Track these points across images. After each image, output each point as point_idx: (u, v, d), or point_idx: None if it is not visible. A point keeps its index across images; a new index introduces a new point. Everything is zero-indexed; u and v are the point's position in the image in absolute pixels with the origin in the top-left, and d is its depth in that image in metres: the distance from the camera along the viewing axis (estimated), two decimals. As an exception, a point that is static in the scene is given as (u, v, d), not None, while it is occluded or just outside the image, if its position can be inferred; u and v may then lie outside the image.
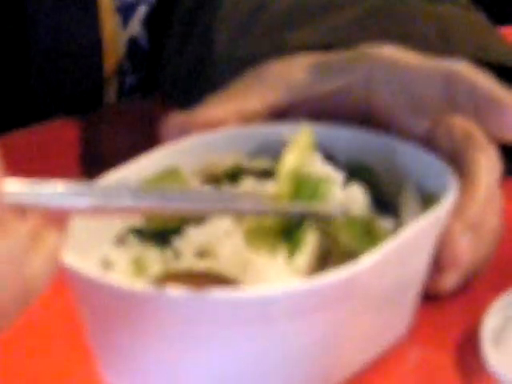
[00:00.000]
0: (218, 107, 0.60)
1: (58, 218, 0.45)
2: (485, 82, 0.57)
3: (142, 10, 0.82)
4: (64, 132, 0.76)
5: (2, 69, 0.79)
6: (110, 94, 0.82)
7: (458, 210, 0.53)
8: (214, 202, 0.52)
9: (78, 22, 0.81)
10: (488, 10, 0.86)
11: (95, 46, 0.81)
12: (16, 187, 0.44)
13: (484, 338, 0.51)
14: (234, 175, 0.56)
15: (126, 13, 0.82)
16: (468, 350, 0.54)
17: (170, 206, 0.49)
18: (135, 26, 0.82)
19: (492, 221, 0.56)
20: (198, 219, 0.53)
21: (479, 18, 0.71)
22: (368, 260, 0.48)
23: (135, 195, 0.48)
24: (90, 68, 0.82)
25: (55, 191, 0.45)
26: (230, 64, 0.68)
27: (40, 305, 0.46)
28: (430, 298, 0.57)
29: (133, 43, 0.82)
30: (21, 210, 0.43)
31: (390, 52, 0.60)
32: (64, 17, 0.81)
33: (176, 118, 0.59)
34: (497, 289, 0.57)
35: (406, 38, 0.63)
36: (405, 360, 0.55)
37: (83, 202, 0.45)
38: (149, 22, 0.84)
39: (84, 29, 0.82)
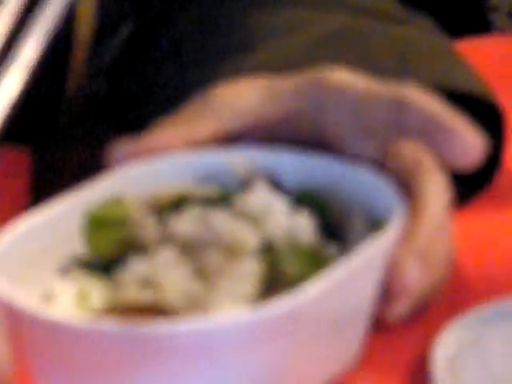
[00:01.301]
0: (165, 134, 0.60)
1: None
2: (435, 106, 0.57)
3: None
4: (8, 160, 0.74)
5: None
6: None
7: (406, 237, 0.53)
8: None
9: None
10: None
11: None
12: None
13: (436, 366, 0.51)
14: (178, 204, 0.56)
15: None
16: (420, 379, 0.53)
17: None
18: None
19: (442, 248, 0.56)
20: (142, 249, 0.53)
21: (443, 41, 0.71)
22: (311, 289, 0.47)
23: None
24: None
25: None
26: (180, 88, 0.68)
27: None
28: (381, 326, 0.56)
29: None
30: None
31: (341, 76, 0.60)
32: None
33: (123, 144, 0.59)
34: (449, 315, 0.56)
35: (362, 61, 0.64)
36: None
37: None
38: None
39: None
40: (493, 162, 0.65)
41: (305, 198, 0.55)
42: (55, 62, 0.79)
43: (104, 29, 0.82)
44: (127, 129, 0.69)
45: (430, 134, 0.56)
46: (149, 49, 0.80)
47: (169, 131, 0.60)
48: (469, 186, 0.64)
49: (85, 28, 0.80)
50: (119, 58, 0.84)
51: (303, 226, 0.53)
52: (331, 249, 0.53)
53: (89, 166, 0.61)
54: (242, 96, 0.61)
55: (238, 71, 0.64)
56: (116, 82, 0.83)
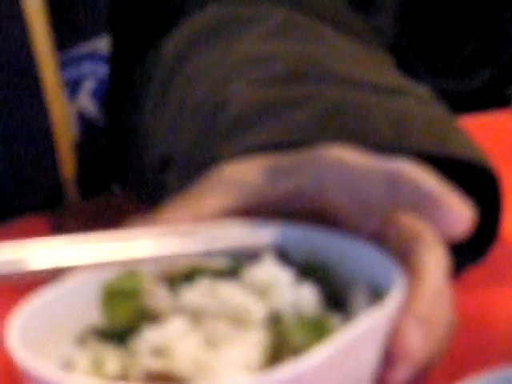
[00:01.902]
0: (176, 211, 0.60)
1: None
2: (429, 180, 0.58)
3: (89, 85, 0.81)
4: (28, 231, 0.72)
5: None
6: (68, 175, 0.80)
7: (407, 306, 0.53)
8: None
9: (25, 104, 0.79)
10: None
11: (45, 130, 0.79)
12: None
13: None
14: (190, 275, 0.56)
15: (73, 87, 0.81)
16: None
17: None
18: (84, 99, 0.81)
19: (442, 315, 0.56)
20: (155, 318, 0.53)
21: (439, 111, 0.71)
22: (315, 357, 0.48)
23: None
24: (44, 152, 0.80)
25: None
26: (190, 166, 0.68)
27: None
28: None
29: (82, 116, 0.81)
30: None
31: (338, 153, 0.60)
32: (13, 101, 0.79)
33: (137, 222, 0.59)
34: (449, 381, 0.56)
35: (359, 137, 0.64)
36: None
37: None
38: (102, 100, 0.83)
39: (31, 111, 0.79)
40: (490, 231, 0.65)
41: (310, 270, 0.56)
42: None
43: None
44: (142, 200, 0.70)
45: (425, 207, 0.57)
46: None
47: (178, 209, 0.61)
48: (467, 256, 0.64)
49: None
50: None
51: (308, 297, 0.53)
52: (335, 318, 0.53)
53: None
54: (247, 175, 0.61)
55: (243, 150, 0.65)
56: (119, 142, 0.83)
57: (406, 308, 0.53)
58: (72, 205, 0.77)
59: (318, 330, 0.52)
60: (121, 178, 0.82)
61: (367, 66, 0.74)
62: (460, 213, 0.56)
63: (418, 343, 0.53)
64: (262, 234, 0.58)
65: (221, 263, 0.57)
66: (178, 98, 0.74)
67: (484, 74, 0.91)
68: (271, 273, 0.54)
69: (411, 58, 0.85)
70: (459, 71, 0.90)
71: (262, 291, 0.54)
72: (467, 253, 0.63)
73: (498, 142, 0.72)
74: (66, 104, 0.76)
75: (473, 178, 0.65)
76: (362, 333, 0.50)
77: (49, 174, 0.76)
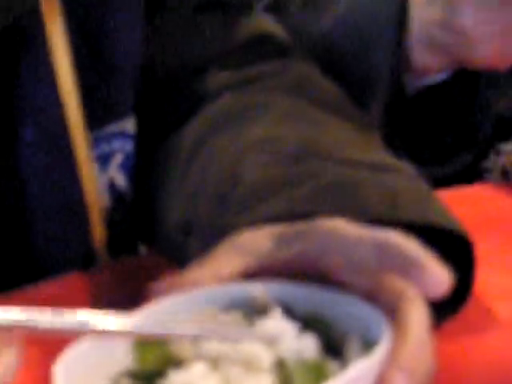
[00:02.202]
0: (198, 272, 0.60)
1: (12, 340, 0.47)
2: (413, 247, 0.58)
3: (118, 158, 0.79)
4: (67, 287, 0.74)
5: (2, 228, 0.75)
6: (99, 240, 0.78)
7: (393, 356, 0.53)
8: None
9: (61, 178, 0.77)
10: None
11: (79, 200, 0.77)
12: None
13: None
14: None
15: (104, 161, 0.79)
16: None
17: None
18: (114, 171, 0.79)
19: (424, 364, 0.55)
20: (179, 363, 0.53)
21: (422, 186, 0.70)
22: None
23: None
24: (77, 218, 0.78)
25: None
26: (209, 232, 0.67)
27: None
28: None
29: (112, 186, 0.79)
30: None
31: (337, 225, 0.60)
32: (50, 175, 0.77)
33: (164, 281, 0.59)
34: None
35: (355, 210, 0.64)
36: None
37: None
38: (129, 171, 0.81)
39: (66, 183, 0.77)
40: (465, 288, 0.65)
41: (311, 322, 0.56)
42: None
43: None
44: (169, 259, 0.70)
45: (408, 270, 0.57)
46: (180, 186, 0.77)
47: (201, 270, 0.61)
48: (445, 310, 0.63)
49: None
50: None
51: (309, 346, 0.54)
52: (333, 365, 0.53)
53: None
54: (258, 242, 0.61)
55: (254, 220, 0.64)
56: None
57: (392, 358, 0.53)
58: (103, 265, 0.76)
59: (317, 374, 0.53)
60: (147, 241, 0.81)
61: (361, 147, 0.73)
62: (439, 277, 0.57)
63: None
64: (271, 292, 0.58)
65: (236, 316, 0.57)
66: (198, 174, 0.73)
67: (464, 158, 0.91)
68: (278, 325, 0.55)
69: (397, 147, 0.86)
70: (441, 158, 0.90)
71: (269, 340, 0.55)
72: (446, 307, 0.63)
73: (472, 213, 0.73)
74: (97, 176, 0.76)
75: (450, 242, 0.65)
76: (355, 377, 0.51)
77: (82, 238, 0.75)
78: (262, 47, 0.81)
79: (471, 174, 0.94)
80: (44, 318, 0.49)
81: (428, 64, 0.87)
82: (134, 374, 0.55)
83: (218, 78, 0.79)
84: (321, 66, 0.88)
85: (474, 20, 0.80)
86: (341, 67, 0.88)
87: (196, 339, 0.54)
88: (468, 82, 0.89)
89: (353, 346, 0.55)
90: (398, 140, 0.87)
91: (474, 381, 0.64)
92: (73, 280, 0.73)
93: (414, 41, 0.85)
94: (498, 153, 0.95)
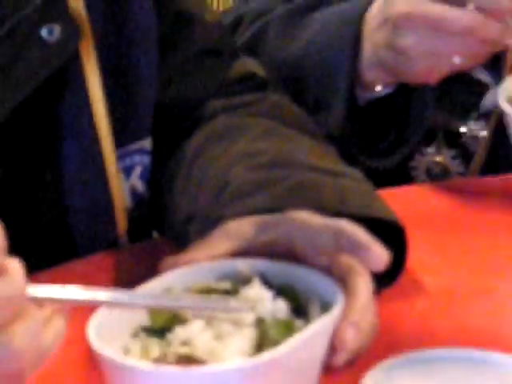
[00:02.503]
0: (195, 253, 0.61)
1: (61, 310, 0.46)
2: (360, 233, 0.59)
3: (138, 170, 0.77)
4: (99, 264, 0.73)
5: (48, 222, 0.74)
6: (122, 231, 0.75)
7: (344, 315, 0.54)
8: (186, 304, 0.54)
9: (95, 185, 0.75)
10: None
11: (108, 202, 0.74)
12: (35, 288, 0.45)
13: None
14: (206, 292, 0.56)
15: (127, 172, 0.76)
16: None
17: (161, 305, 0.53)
18: (135, 179, 0.77)
19: (369, 318, 0.56)
20: (184, 320, 0.54)
21: (366, 186, 0.70)
22: (286, 347, 0.50)
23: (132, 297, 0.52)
24: (107, 214, 0.75)
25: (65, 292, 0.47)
26: (205, 222, 0.67)
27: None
28: (328, 368, 0.56)
29: (133, 191, 0.77)
30: (38, 302, 0.45)
31: (302, 215, 0.61)
32: (87, 182, 0.74)
33: (168, 260, 0.60)
34: (374, 362, 0.57)
35: (316, 204, 0.63)
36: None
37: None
38: (147, 179, 0.78)
39: (100, 188, 0.74)
40: (399, 264, 0.65)
41: (283, 290, 0.57)
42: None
43: None
44: (176, 244, 0.70)
45: (357, 250, 0.58)
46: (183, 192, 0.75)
47: (198, 251, 0.61)
48: (384, 280, 0.63)
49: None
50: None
51: (282, 308, 0.55)
52: (300, 322, 0.54)
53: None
54: (242, 229, 0.62)
55: (239, 212, 0.64)
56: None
57: (344, 316, 0.54)
58: (125, 248, 0.75)
59: (288, 329, 0.53)
60: (159, 229, 0.80)
61: (321, 157, 0.72)
62: (380, 255, 0.58)
63: (352, 338, 0.54)
64: (252, 267, 0.58)
65: (226, 285, 0.57)
66: (197, 178, 0.73)
67: (398, 156, 0.91)
68: (258, 292, 0.56)
69: (351, 144, 0.86)
70: (382, 153, 0.90)
71: (252, 303, 0.55)
72: (385, 278, 0.63)
73: (403, 208, 0.70)
74: (123, 184, 0.75)
75: (388, 230, 0.65)
76: (316, 331, 0.52)
77: (110, 229, 0.74)
78: (247, 82, 0.81)
79: (403, 171, 0.94)
80: (74, 293, 0.48)
81: (376, 80, 0.85)
82: (148, 329, 0.54)
83: (214, 104, 0.79)
84: (292, 83, 0.87)
85: (413, 42, 0.77)
86: (308, 85, 0.86)
87: (193, 310, 0.54)
88: (406, 95, 0.87)
89: (314, 308, 0.56)
90: (353, 139, 0.86)
91: (405, 338, 0.63)
92: (100, 259, 0.72)
93: (366, 61, 0.82)
94: (422, 154, 0.93)
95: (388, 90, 0.86)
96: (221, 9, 1.57)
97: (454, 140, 0.93)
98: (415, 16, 0.76)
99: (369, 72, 0.82)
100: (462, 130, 0.92)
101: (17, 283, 0.43)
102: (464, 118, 0.92)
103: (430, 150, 0.94)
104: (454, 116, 0.92)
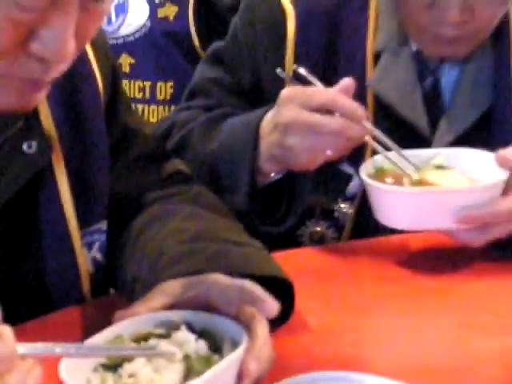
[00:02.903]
0: (138, 307, 0.60)
1: (39, 360, 0.46)
2: (257, 289, 0.59)
3: (97, 244, 0.75)
4: (66, 316, 0.71)
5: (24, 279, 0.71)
6: (86, 290, 0.74)
7: (248, 351, 0.54)
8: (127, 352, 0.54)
9: (66, 256, 0.72)
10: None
11: (76, 268, 0.72)
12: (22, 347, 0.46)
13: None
14: (147, 336, 0.57)
15: (89, 246, 0.74)
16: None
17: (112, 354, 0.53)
18: (95, 252, 0.74)
19: (267, 352, 0.56)
20: (130, 358, 0.54)
21: (265, 253, 0.70)
22: (206, 376, 0.51)
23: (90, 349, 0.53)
24: (75, 279, 0.73)
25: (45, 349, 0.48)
26: (145, 283, 0.65)
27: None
28: None
29: (94, 260, 0.74)
30: (22, 357, 0.45)
31: (217, 277, 0.61)
32: (59, 255, 0.72)
33: (119, 313, 0.59)
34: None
35: (227, 269, 0.63)
36: None
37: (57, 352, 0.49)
38: (104, 251, 0.76)
39: (68, 260, 0.72)
40: (289, 308, 0.65)
41: (203, 333, 0.57)
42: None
43: None
44: (127, 298, 0.68)
45: (255, 302, 0.58)
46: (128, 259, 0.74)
47: (139, 306, 0.60)
48: (276, 323, 0.62)
49: None
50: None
51: (202, 347, 0.55)
52: (216, 357, 0.55)
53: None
54: (173, 288, 0.61)
55: (172, 276, 0.63)
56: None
57: (248, 352, 0.55)
58: (88, 302, 0.74)
59: (208, 363, 0.54)
60: (114, 287, 0.78)
61: (230, 231, 0.72)
62: (273, 306, 0.59)
63: (254, 368, 0.54)
64: (181, 316, 0.59)
65: (161, 331, 0.58)
66: (140, 251, 0.72)
67: (288, 224, 0.91)
68: (185, 335, 0.56)
69: (255, 217, 0.88)
70: (276, 222, 0.91)
71: (180, 344, 0.55)
72: (278, 320, 0.62)
73: (295, 267, 0.73)
74: (86, 255, 0.73)
75: (280, 283, 0.65)
76: (228, 363, 0.53)
77: (77, 288, 0.73)
78: (176, 178, 0.81)
79: (293, 238, 0.95)
80: (49, 349, 0.49)
81: (270, 170, 0.85)
82: (104, 365, 0.55)
83: (151, 195, 0.79)
84: (210, 173, 0.87)
85: (297, 141, 0.77)
86: (221, 174, 0.87)
87: (135, 355, 0.55)
88: (292, 179, 0.88)
89: (227, 346, 0.57)
90: (255, 212, 0.87)
91: (294, 364, 0.63)
92: (71, 311, 0.72)
93: (262, 157, 0.83)
94: (306, 225, 0.94)
95: (279, 176, 0.86)
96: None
97: (329, 215, 0.94)
98: (298, 122, 0.77)
99: (265, 164, 0.83)
100: (335, 207, 0.93)
101: (9, 345, 0.44)
102: (335, 199, 0.93)
103: (312, 222, 0.95)
104: (328, 197, 0.93)
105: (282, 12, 0.86)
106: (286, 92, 0.78)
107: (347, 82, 0.77)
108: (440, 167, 0.79)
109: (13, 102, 0.55)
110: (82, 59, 0.68)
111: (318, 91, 0.78)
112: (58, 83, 0.61)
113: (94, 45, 0.72)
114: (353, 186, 0.91)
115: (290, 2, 0.88)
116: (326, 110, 0.76)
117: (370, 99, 0.88)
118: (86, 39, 0.55)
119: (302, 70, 0.80)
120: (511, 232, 0.74)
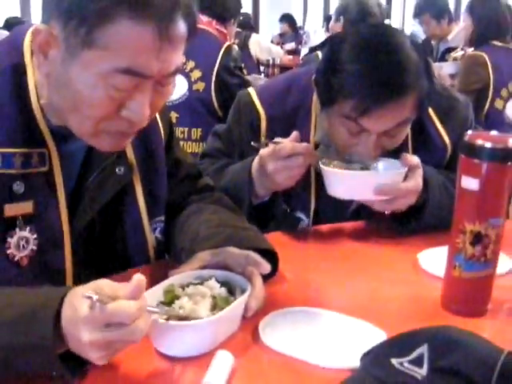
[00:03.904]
0: (183, 267, 0.58)
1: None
2: (256, 256, 0.58)
3: (159, 229, 0.69)
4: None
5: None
6: (152, 257, 0.68)
7: (250, 293, 0.53)
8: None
9: (140, 238, 0.68)
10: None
11: (146, 244, 0.67)
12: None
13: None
14: (188, 285, 0.55)
15: (154, 230, 0.69)
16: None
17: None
18: (157, 234, 0.69)
19: (262, 294, 0.54)
20: (178, 297, 0.52)
21: (260, 234, 0.66)
22: (225, 311, 0.49)
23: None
24: (146, 251, 0.68)
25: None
26: (188, 253, 0.62)
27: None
28: (244, 318, 0.54)
29: (157, 239, 0.69)
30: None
31: (232, 249, 0.59)
32: (137, 237, 0.67)
33: (171, 271, 0.57)
34: (265, 314, 0.54)
35: (238, 244, 0.60)
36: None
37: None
38: (163, 233, 0.70)
39: (142, 239, 0.67)
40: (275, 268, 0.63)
41: (224, 283, 0.56)
42: None
43: None
44: (177, 261, 0.63)
45: (254, 264, 0.57)
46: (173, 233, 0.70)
47: (183, 267, 0.58)
48: (268, 276, 0.59)
49: None
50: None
51: (223, 291, 0.55)
52: (232, 298, 0.54)
53: None
54: (205, 256, 0.59)
55: (203, 249, 0.60)
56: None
57: (251, 295, 0.54)
58: (154, 264, 0.69)
59: (227, 302, 0.53)
60: (169, 254, 0.72)
61: (239, 221, 0.69)
62: (265, 266, 0.58)
63: (254, 304, 0.53)
64: (210, 273, 0.57)
65: (198, 281, 0.56)
66: (184, 232, 0.68)
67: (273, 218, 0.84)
68: (213, 284, 0.56)
69: (253, 217, 0.80)
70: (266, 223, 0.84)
71: (210, 288, 0.55)
72: (268, 276, 0.59)
73: (277, 244, 0.66)
74: (152, 236, 0.68)
75: (268, 253, 0.63)
76: (240, 302, 0.53)
77: (147, 256, 0.68)
78: (206, 188, 0.77)
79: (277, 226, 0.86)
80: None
81: (262, 194, 0.78)
82: (162, 303, 0.53)
83: (192, 198, 0.75)
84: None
85: (273, 169, 0.72)
86: (230, 198, 0.78)
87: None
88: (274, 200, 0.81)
89: (238, 292, 0.56)
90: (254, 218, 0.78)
91: (279, 301, 0.59)
92: (142, 269, 0.66)
93: (256, 186, 0.77)
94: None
95: (266, 198, 0.81)
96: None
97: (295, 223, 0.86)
98: (276, 170, 0.72)
99: (258, 190, 0.78)
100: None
101: (144, 302, 0.43)
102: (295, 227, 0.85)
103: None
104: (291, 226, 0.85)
105: (257, 114, 0.82)
106: (265, 149, 0.75)
107: (295, 135, 0.73)
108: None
109: (111, 146, 0.56)
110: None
111: (282, 146, 0.72)
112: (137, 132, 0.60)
113: None
114: (303, 224, 0.86)
115: (262, 108, 0.83)
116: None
117: (313, 174, 0.82)
118: (157, 109, 0.56)
119: (267, 141, 0.77)
120: (407, 205, 0.72)
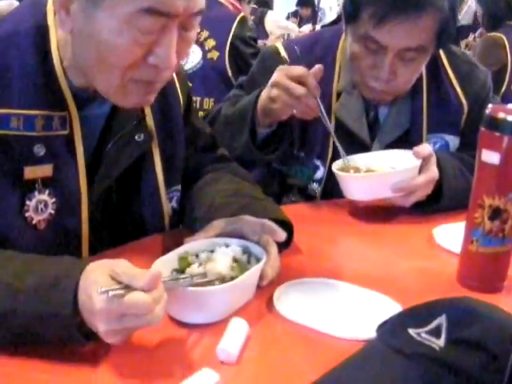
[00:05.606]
0: (198, 235, 0.58)
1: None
2: (272, 224, 0.56)
3: (175, 198, 0.69)
4: (154, 240, 0.66)
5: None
6: (167, 225, 0.68)
7: (266, 262, 0.53)
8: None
9: (157, 206, 0.67)
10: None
11: (162, 213, 0.67)
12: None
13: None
14: (203, 251, 0.55)
15: (170, 199, 0.68)
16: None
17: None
18: (174, 203, 0.68)
19: (277, 263, 0.54)
20: (190, 265, 0.52)
21: (275, 205, 0.67)
22: (246, 275, 0.49)
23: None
24: (162, 219, 0.67)
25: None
26: (203, 222, 0.62)
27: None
28: (258, 287, 0.54)
29: (173, 208, 0.69)
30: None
31: (247, 217, 0.58)
32: (153, 205, 0.66)
33: (186, 239, 0.57)
34: (279, 284, 0.55)
35: (253, 213, 0.60)
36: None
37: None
38: (179, 203, 0.70)
39: (158, 208, 0.66)
40: (290, 238, 0.62)
41: (243, 250, 0.56)
42: None
43: None
44: (190, 230, 0.63)
45: (271, 232, 0.57)
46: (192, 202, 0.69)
47: (200, 234, 0.58)
48: (283, 246, 0.60)
49: None
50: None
51: (243, 258, 0.55)
52: (249, 266, 0.54)
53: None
54: (220, 224, 0.59)
55: (218, 217, 0.60)
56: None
57: (266, 263, 0.54)
58: (168, 232, 0.69)
59: (244, 269, 0.53)
60: (184, 224, 0.72)
61: (254, 190, 0.70)
62: (281, 235, 0.58)
63: (269, 273, 0.54)
64: (228, 240, 0.57)
65: (211, 248, 0.56)
66: (200, 200, 0.68)
67: (280, 149, 0.85)
68: (234, 248, 0.55)
69: (258, 154, 0.81)
70: (272, 151, 0.84)
71: (234, 252, 0.55)
72: (283, 244, 0.60)
73: (294, 216, 0.66)
74: (168, 205, 0.67)
75: (285, 223, 0.63)
76: (255, 270, 0.52)
77: (162, 224, 0.67)
78: (221, 159, 0.77)
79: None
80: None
81: (263, 121, 0.78)
82: (177, 270, 0.53)
83: (208, 168, 0.75)
84: (228, 125, 0.83)
85: (276, 94, 0.72)
86: (235, 126, 0.80)
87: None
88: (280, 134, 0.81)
89: (254, 260, 0.56)
90: (259, 151, 0.79)
91: (294, 273, 0.58)
92: (157, 237, 0.68)
93: (259, 111, 0.77)
94: (288, 197, 0.89)
95: (271, 129, 0.81)
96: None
97: (303, 192, 0.89)
98: (280, 82, 0.72)
99: (260, 117, 0.78)
100: (308, 187, 0.89)
101: (161, 288, 0.43)
102: (308, 181, 0.89)
103: (289, 196, 0.89)
104: (302, 181, 0.88)
105: (283, 63, 0.82)
106: (278, 67, 0.75)
107: (317, 68, 0.73)
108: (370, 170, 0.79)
109: (138, 99, 0.54)
110: (170, 83, 0.66)
111: (297, 67, 0.73)
112: (157, 98, 0.58)
113: (178, 75, 0.70)
114: (319, 173, 0.89)
115: (288, 59, 0.85)
116: (299, 82, 0.73)
117: (333, 120, 0.86)
118: (181, 57, 0.53)
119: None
120: (424, 196, 0.74)
